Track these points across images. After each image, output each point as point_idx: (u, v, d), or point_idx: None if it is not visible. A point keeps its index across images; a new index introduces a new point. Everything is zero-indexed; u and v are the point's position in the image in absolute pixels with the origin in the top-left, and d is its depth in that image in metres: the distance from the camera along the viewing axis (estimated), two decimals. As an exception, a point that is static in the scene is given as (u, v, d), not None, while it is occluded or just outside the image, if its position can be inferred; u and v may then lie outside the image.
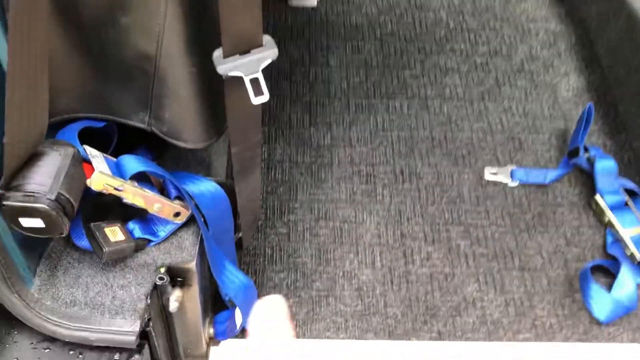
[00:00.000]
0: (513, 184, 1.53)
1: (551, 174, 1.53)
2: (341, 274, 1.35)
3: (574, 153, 1.54)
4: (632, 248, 1.36)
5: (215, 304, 1.22)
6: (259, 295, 1.27)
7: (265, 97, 0.91)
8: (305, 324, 1.26)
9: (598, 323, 1.29)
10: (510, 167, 1.55)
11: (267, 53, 0.89)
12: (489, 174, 1.54)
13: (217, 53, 0.88)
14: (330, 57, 1.80)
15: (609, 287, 1.33)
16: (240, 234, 1.20)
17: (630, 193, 1.48)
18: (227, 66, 0.87)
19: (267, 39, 0.90)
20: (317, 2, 1.97)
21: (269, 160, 1.55)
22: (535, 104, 1.71)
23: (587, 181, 1.53)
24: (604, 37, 1.83)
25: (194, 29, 0.88)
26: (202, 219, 1.04)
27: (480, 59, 1.83)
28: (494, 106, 1.70)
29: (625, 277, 1.32)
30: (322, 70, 1.77)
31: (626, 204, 1.46)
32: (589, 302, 1.30)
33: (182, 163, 1.13)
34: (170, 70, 0.90)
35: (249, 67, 0.89)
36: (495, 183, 1.53)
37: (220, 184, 1.09)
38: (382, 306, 1.30)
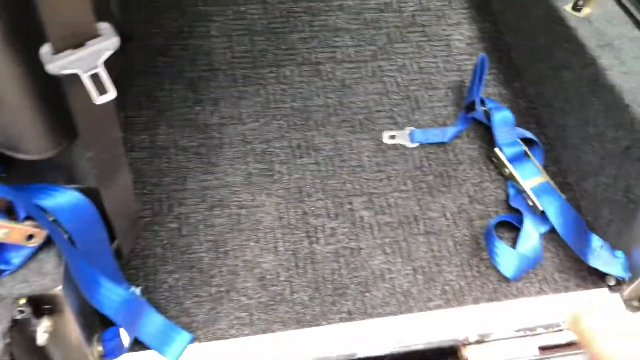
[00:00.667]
0: (412, 145, 1.48)
1: (450, 131, 1.49)
2: (242, 264, 1.26)
3: (470, 107, 1.50)
4: (534, 199, 1.35)
5: (104, 318, 1.10)
6: (152, 301, 1.17)
7: (110, 95, 0.78)
8: (206, 325, 1.17)
9: (507, 280, 1.28)
10: (408, 129, 1.49)
11: (106, 44, 0.76)
12: (388, 137, 1.48)
13: (46, 49, 0.73)
14: (211, 25, 1.66)
15: (515, 242, 1.32)
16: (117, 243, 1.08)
17: (529, 142, 1.47)
18: (57, 64, 0.73)
19: (104, 26, 0.77)
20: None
21: (151, 148, 1.40)
22: (429, 58, 1.66)
23: (486, 134, 1.51)
24: (493, -18, 1.79)
25: (11, 20, 0.73)
26: (65, 236, 0.91)
27: (371, 15, 1.74)
28: (388, 65, 1.63)
29: (529, 229, 1.31)
30: (202, 41, 1.62)
31: (525, 154, 1.45)
32: (495, 259, 1.28)
33: (37, 173, 0.98)
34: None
35: (85, 63, 0.75)
36: (394, 147, 1.47)
37: (85, 190, 0.96)
38: (288, 293, 1.23)
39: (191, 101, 1.50)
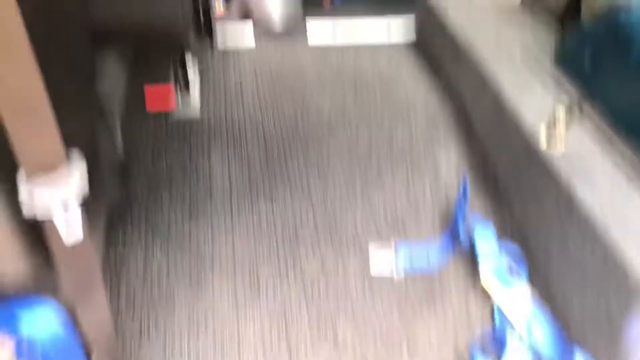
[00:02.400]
0: (399, 271, 1.49)
1: (435, 255, 1.51)
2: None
3: (455, 230, 1.53)
4: (520, 324, 1.33)
5: None
6: None
7: (79, 234, 0.86)
8: None
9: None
10: (395, 256, 1.52)
11: (76, 168, 0.84)
12: (375, 265, 1.51)
13: (20, 174, 0.82)
14: (213, 160, 1.79)
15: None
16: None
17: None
18: (29, 186, 0.81)
19: (74, 154, 0.85)
20: (200, 109, 1.99)
21: (144, 270, 1.46)
22: (418, 187, 1.73)
23: (473, 260, 1.51)
24: (478, 113, 1.89)
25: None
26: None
27: (362, 149, 1.85)
28: (377, 192, 1.70)
29: (513, 355, 1.28)
30: (204, 173, 1.74)
31: (510, 269, 1.45)
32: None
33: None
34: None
35: (56, 186, 0.83)
36: (381, 273, 1.49)
37: (67, 303, 1.01)
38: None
39: (187, 227, 1.57)
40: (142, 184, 1.68)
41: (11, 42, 0.72)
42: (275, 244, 1.54)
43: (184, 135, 1.89)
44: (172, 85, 1.94)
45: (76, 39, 1.21)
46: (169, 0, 1.40)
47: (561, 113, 1.49)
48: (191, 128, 1.92)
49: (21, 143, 0.78)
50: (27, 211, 0.80)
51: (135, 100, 1.95)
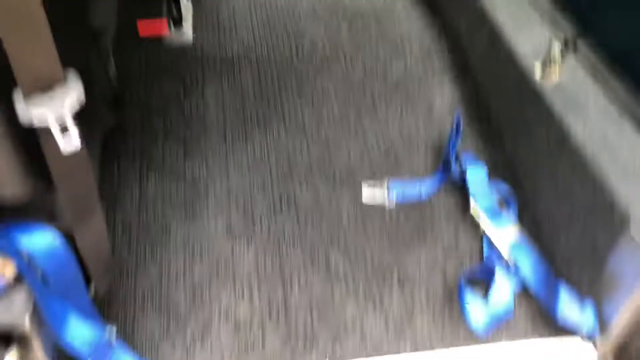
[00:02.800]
0: (391, 202, 1.53)
1: (427, 188, 1.54)
2: (217, 312, 1.30)
3: (447, 164, 1.56)
4: (507, 254, 1.38)
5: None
6: (129, 345, 1.20)
7: (76, 143, 0.86)
8: (178, 371, 1.20)
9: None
10: (387, 186, 1.55)
11: (72, 88, 0.85)
12: (367, 194, 1.54)
13: (17, 93, 0.82)
14: (206, 90, 1.78)
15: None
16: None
17: (504, 197, 1.51)
18: (25, 106, 0.82)
19: (71, 74, 0.86)
20: (193, 38, 1.95)
21: (139, 199, 1.49)
22: (411, 118, 1.74)
23: (464, 190, 1.55)
24: (473, 49, 1.89)
25: None
26: (39, 274, 0.97)
27: (357, 79, 1.84)
28: (370, 124, 1.71)
29: (501, 285, 1.33)
30: (197, 103, 1.73)
31: (500, 208, 1.48)
32: (466, 315, 1.30)
33: (17, 211, 1.06)
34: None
35: (52, 105, 0.83)
36: (373, 203, 1.53)
37: (63, 230, 1.03)
38: (260, 342, 1.26)
39: (181, 157, 1.59)
40: (136, 114, 1.67)
41: None
42: (269, 176, 1.56)
43: (177, 63, 1.86)
44: (165, 19, 1.90)
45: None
46: None
47: (557, 45, 1.48)
48: (184, 55, 1.89)
49: (19, 60, 0.78)
50: (24, 118, 0.80)
51: (128, 28, 1.91)
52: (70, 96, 0.82)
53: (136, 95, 1.73)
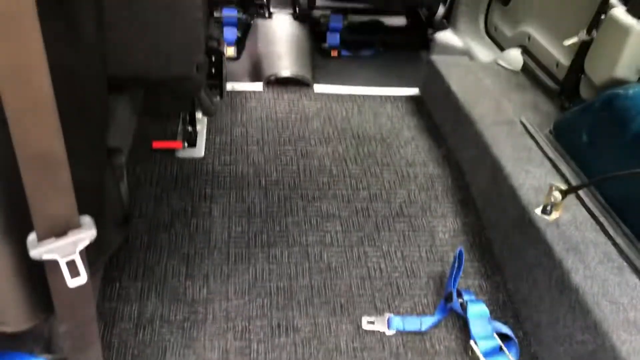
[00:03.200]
0: (390, 332, 1.51)
1: (427, 321, 1.53)
2: None
3: (449, 298, 1.55)
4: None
5: None
6: None
7: (82, 279, 0.88)
8: None
9: None
10: (387, 316, 1.54)
11: (85, 234, 0.88)
12: (367, 323, 1.53)
13: (32, 237, 0.86)
14: (214, 206, 1.82)
15: None
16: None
17: (505, 337, 1.49)
18: (39, 250, 0.85)
19: (85, 220, 0.89)
20: (205, 153, 2.03)
21: (138, 319, 1.48)
22: (413, 247, 1.76)
23: (464, 325, 1.54)
24: (476, 181, 1.94)
25: (6, 215, 0.87)
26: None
27: (361, 204, 1.89)
28: (373, 251, 1.73)
29: None
30: (204, 220, 1.77)
31: (500, 349, 1.46)
32: None
33: (17, 340, 1.06)
34: (-19, 256, 0.86)
35: (64, 250, 0.87)
36: (372, 332, 1.51)
37: (59, 360, 1.02)
38: None
39: (183, 276, 1.60)
40: (143, 228, 1.70)
41: (38, 98, 0.75)
42: (269, 300, 1.55)
43: (186, 178, 1.92)
44: (180, 141, 1.99)
45: (93, 90, 1.24)
46: (186, 51, 1.43)
47: (557, 189, 1.53)
48: (194, 171, 1.95)
49: (38, 206, 0.81)
50: (34, 254, 0.83)
51: (141, 142, 2.00)
52: (82, 242, 0.85)
53: (145, 208, 1.77)
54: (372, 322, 1.53)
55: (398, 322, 1.52)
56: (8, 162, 0.84)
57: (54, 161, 0.80)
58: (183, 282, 1.58)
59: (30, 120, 0.76)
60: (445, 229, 1.83)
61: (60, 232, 0.87)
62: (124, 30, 1.35)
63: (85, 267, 0.88)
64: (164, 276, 1.59)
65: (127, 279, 1.56)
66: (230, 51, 2.71)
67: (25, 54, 0.72)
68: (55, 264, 0.86)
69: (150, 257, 1.63)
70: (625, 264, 1.43)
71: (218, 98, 2.17)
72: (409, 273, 1.67)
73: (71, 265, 0.87)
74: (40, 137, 0.78)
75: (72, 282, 0.87)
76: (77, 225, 0.88)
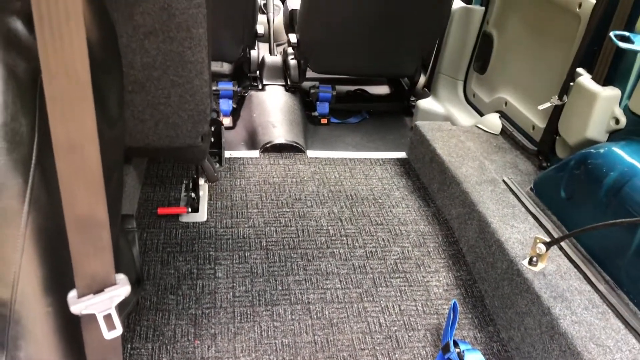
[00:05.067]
0: (393, 384, 1.58)
1: (427, 372, 1.60)
2: None
3: (446, 348, 1.63)
4: None
5: None
6: None
7: (118, 331, 0.96)
8: None
9: None
10: (388, 368, 1.61)
11: (120, 291, 0.97)
12: (370, 376, 1.60)
13: (72, 294, 0.94)
14: (218, 268, 1.90)
15: None
16: None
17: (501, 384, 1.57)
18: (79, 306, 0.94)
19: (120, 277, 0.98)
20: (207, 217, 2.13)
21: (149, 379, 1.53)
22: (410, 301, 1.84)
23: (462, 375, 1.61)
24: (465, 236, 2.06)
25: (49, 273, 0.95)
26: None
27: (358, 262, 1.98)
28: (372, 306, 1.81)
29: None
30: (209, 281, 1.85)
31: (498, 396, 1.53)
32: None
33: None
34: (25, 313, 0.94)
35: (101, 305, 0.95)
36: (376, 385, 1.58)
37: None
38: None
39: (192, 336, 1.66)
40: (152, 291, 1.77)
41: (88, 168, 0.86)
42: (275, 358, 1.62)
43: (191, 241, 2.00)
44: (184, 207, 2.09)
45: (116, 160, 1.36)
46: (194, 123, 1.56)
47: (541, 242, 1.65)
48: (198, 234, 2.04)
49: (80, 265, 0.90)
50: (74, 309, 0.91)
51: (146, 209, 2.10)
52: (118, 297, 0.94)
53: (153, 271, 1.85)
54: (375, 375, 1.60)
55: (399, 374, 1.59)
56: (53, 225, 0.94)
57: (97, 223, 0.91)
58: (192, 342, 1.64)
59: (80, 187, 0.87)
60: (439, 283, 1.93)
61: (98, 289, 0.96)
62: (137, 105, 1.48)
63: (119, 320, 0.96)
64: (174, 336, 1.65)
65: (138, 339, 1.62)
66: (226, 121, 2.86)
67: (82, 132, 0.83)
68: (92, 318, 0.95)
69: (159, 318, 1.70)
70: (608, 309, 1.54)
71: (218, 165, 2.30)
72: (407, 326, 1.76)
73: (107, 319, 0.96)
74: (87, 202, 0.89)
75: (109, 335, 0.95)
76: (113, 282, 0.97)
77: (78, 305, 0.93)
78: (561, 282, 1.61)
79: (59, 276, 0.98)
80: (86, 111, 0.83)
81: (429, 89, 3.10)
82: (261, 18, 3.52)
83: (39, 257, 0.94)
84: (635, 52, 1.76)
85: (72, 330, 0.99)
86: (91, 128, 0.84)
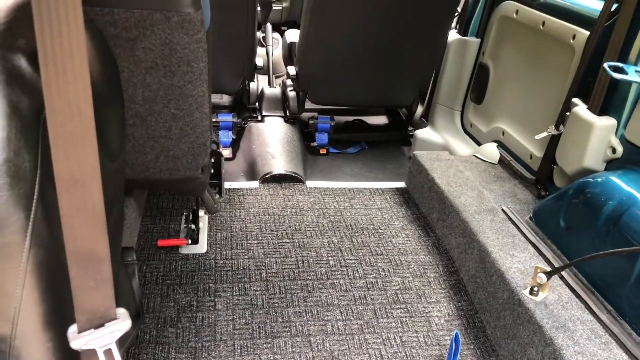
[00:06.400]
0: (395, 418, 1.55)
1: (430, 405, 1.58)
2: None
3: (449, 381, 1.62)
4: None
5: None
6: None
7: None
8: None
9: None
10: (390, 401, 1.59)
11: (121, 325, 0.97)
12: (372, 409, 1.57)
13: (72, 329, 0.94)
14: (218, 300, 1.89)
15: None
16: None
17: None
18: (80, 341, 0.93)
19: (120, 311, 0.98)
20: (207, 248, 2.13)
21: (149, 415, 1.51)
22: (411, 333, 1.83)
23: (465, 408, 1.59)
24: (465, 266, 2.06)
25: (49, 308, 0.95)
26: None
27: (359, 293, 1.98)
28: (373, 338, 1.80)
29: None
30: (208, 313, 1.83)
31: None
32: None
33: None
34: (25, 350, 0.94)
35: (102, 341, 0.95)
36: (378, 419, 1.55)
37: None
38: None
39: (192, 369, 1.64)
40: (151, 324, 1.76)
41: (89, 203, 0.86)
42: (276, 390, 1.60)
43: (191, 273, 2.00)
44: (184, 239, 2.10)
45: (116, 193, 1.36)
46: (194, 155, 1.57)
47: (542, 267, 1.65)
48: (198, 266, 2.04)
49: (81, 300, 0.90)
50: (74, 345, 0.91)
51: (145, 242, 2.10)
52: (119, 332, 0.94)
53: (152, 304, 1.84)
54: (377, 408, 1.58)
55: (402, 407, 1.57)
56: (54, 260, 0.95)
57: (98, 258, 0.91)
58: (191, 376, 1.62)
59: (82, 222, 0.87)
60: (440, 314, 1.92)
61: (99, 323, 0.95)
62: (138, 138, 1.50)
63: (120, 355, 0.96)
64: (173, 371, 1.63)
65: (137, 374, 1.60)
66: (226, 152, 2.88)
67: (84, 168, 0.84)
68: (92, 353, 0.94)
69: (159, 351, 1.68)
70: (611, 339, 1.52)
71: (217, 196, 2.31)
72: (409, 358, 1.74)
73: (107, 353, 0.95)
74: (89, 236, 0.89)
75: (109, 371, 0.94)
76: (114, 317, 0.96)
77: (78, 340, 0.93)
78: (563, 311, 1.60)
79: (59, 311, 0.97)
80: (89, 147, 0.84)
81: (427, 119, 3.13)
82: (260, 51, 3.57)
83: (40, 292, 0.94)
84: (629, 83, 1.79)
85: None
86: (93, 164, 0.85)
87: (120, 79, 1.39)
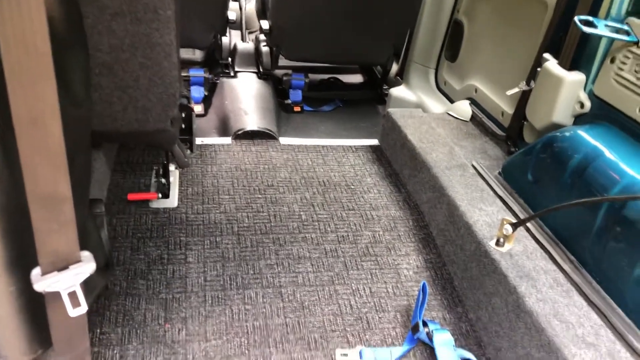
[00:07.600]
0: (363, 364, 1.60)
1: (397, 351, 1.62)
2: None
3: (415, 328, 1.66)
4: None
5: None
6: None
7: (83, 309, 0.96)
8: None
9: None
10: (359, 348, 1.63)
11: (85, 267, 0.96)
12: (340, 355, 1.61)
13: (36, 271, 0.94)
14: (189, 253, 1.89)
15: None
16: None
17: (469, 362, 1.60)
18: (43, 283, 0.93)
19: (85, 254, 0.98)
20: (178, 202, 2.12)
21: (119, 364, 1.52)
22: (381, 284, 1.87)
23: (431, 354, 1.64)
24: (435, 220, 2.09)
25: (12, 252, 0.94)
26: None
27: (330, 246, 2.00)
28: (343, 289, 1.83)
29: None
30: (179, 266, 1.84)
31: (466, 374, 1.56)
32: None
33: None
34: (-14, 292, 0.93)
35: (66, 283, 0.94)
36: (346, 364, 1.59)
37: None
38: None
39: (162, 320, 1.65)
40: (121, 276, 1.76)
41: (50, 143, 0.85)
42: (246, 340, 1.62)
43: (162, 227, 1.99)
44: (155, 193, 2.08)
45: (82, 142, 1.34)
46: (163, 106, 1.55)
47: (507, 223, 1.68)
48: (169, 220, 2.03)
49: (43, 242, 0.90)
50: (38, 287, 0.91)
51: (115, 196, 2.08)
52: (83, 274, 0.94)
53: (122, 257, 1.83)
54: (346, 355, 1.61)
55: (369, 354, 1.61)
56: (15, 203, 0.93)
57: (60, 198, 0.90)
58: (162, 326, 1.63)
59: (43, 163, 0.86)
60: (409, 266, 1.96)
61: (63, 266, 0.95)
62: (105, 88, 1.46)
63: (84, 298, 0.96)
64: (144, 321, 1.64)
65: (107, 324, 1.60)
66: (197, 108, 2.84)
67: (43, 106, 0.82)
68: (56, 295, 0.94)
69: (129, 303, 1.69)
70: (572, 287, 1.58)
71: (189, 151, 2.28)
72: (377, 308, 1.77)
73: (72, 296, 0.95)
74: (50, 177, 0.88)
75: (74, 312, 0.94)
76: (78, 260, 0.96)
77: (42, 282, 0.93)
78: (527, 262, 1.64)
79: (22, 255, 0.97)
80: (47, 86, 0.82)
81: (402, 77, 3.12)
82: (233, 4, 3.50)
83: (1, 237, 0.93)
84: (599, 37, 1.80)
85: (36, 309, 0.99)
86: (52, 102, 0.83)
87: (85, 25, 1.35)
